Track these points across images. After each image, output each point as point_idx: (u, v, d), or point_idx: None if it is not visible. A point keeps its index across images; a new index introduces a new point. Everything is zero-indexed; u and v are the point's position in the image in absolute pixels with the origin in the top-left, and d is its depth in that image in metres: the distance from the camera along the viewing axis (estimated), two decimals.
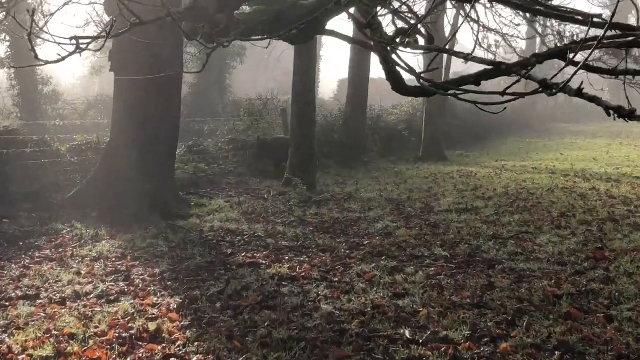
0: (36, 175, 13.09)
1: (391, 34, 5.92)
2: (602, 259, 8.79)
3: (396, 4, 7.85)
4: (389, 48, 5.56)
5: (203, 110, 31.20)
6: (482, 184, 16.84)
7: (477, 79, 4.57)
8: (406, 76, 5.56)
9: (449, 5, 21.18)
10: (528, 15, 17.81)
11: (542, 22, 24.57)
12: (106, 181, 12.20)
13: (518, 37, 35.91)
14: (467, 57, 4.76)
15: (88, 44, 4.94)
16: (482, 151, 28.71)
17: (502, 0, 6.30)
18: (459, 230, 10.81)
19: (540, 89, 4.11)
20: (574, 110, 49.80)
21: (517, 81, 4.26)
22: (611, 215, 11.94)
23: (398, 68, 6.16)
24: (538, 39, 30.14)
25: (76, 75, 56.70)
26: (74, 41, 4.76)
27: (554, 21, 20.24)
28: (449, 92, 4.63)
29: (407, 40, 5.18)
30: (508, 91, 4.21)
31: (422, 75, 4.60)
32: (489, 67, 4.52)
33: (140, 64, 11.82)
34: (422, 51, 5.66)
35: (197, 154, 17.37)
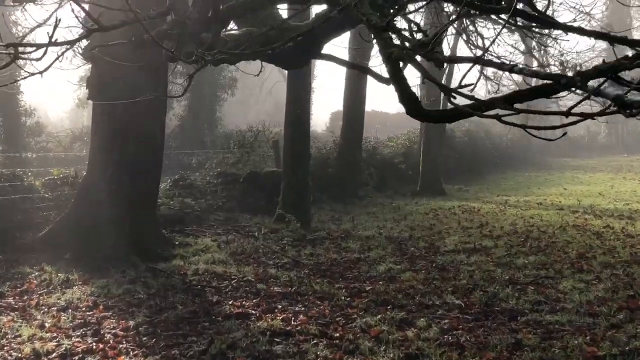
0: (5, 212, 11.97)
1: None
2: (636, 309, 7.74)
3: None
4: (406, 60, 4.57)
5: (192, 142, 30.24)
6: (488, 221, 15.82)
7: (533, 95, 3.57)
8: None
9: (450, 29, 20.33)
10: (534, 42, 16.96)
11: (542, 51, 23.77)
12: (81, 219, 11.10)
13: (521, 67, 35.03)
14: (512, 69, 3.77)
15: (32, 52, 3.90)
16: (481, 185, 27.80)
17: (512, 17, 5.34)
18: (471, 274, 9.74)
19: (614, 108, 3.14)
20: (572, 144, 48.97)
21: (586, 97, 3.28)
22: (634, 257, 10.91)
23: (414, 85, 5.20)
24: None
25: (65, 108, 55.84)
26: (10, 49, 3.74)
27: (556, 50, 19.34)
28: (493, 114, 3.63)
29: (433, 49, 4.19)
30: (574, 111, 3.23)
31: (458, 90, 3.60)
32: (545, 82, 3.52)
33: (120, 90, 10.81)
34: (446, 64, 4.64)
35: (184, 188, 16.31)
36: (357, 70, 9.96)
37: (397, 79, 5.10)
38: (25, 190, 12.68)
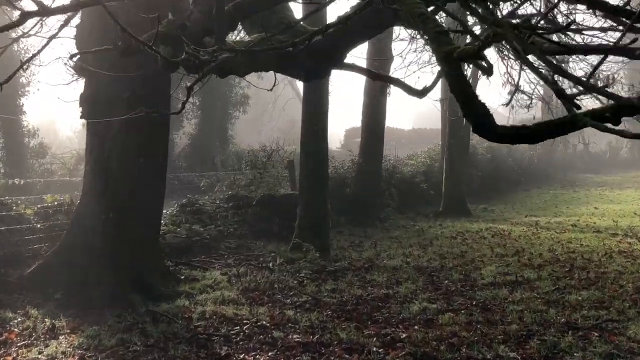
0: None
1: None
2: None
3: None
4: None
5: (203, 162, 29.06)
6: (523, 247, 14.46)
7: None
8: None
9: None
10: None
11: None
12: (74, 252, 9.86)
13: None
14: None
15: None
16: (505, 205, 26.42)
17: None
18: (520, 316, 8.39)
19: None
20: (595, 160, 47.46)
21: None
22: None
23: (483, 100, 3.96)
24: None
25: (74, 128, 54.91)
26: None
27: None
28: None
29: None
30: None
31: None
32: None
33: (116, 106, 9.61)
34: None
35: (192, 213, 15.04)
36: (384, 81, 8.71)
37: (460, 87, 3.84)
38: (14, 221, 11.41)
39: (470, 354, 6.86)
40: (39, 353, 7.15)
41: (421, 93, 7.40)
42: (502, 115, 29.53)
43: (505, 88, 21.38)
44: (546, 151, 40.25)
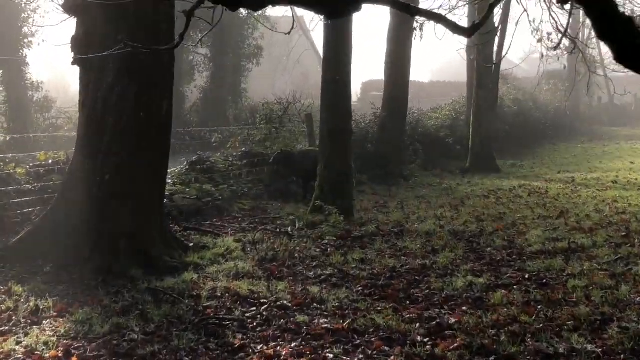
0: None
1: None
2: None
3: None
4: None
5: (215, 117, 27.75)
6: (565, 207, 13.16)
7: None
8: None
9: None
10: None
11: None
12: (67, 217, 8.65)
13: None
14: None
15: None
16: (534, 160, 25.10)
17: None
18: (586, 294, 7.10)
19: None
20: (620, 113, 45.76)
21: None
22: None
23: None
24: None
25: None
26: None
27: None
28: None
29: None
30: None
31: None
32: None
33: (112, 48, 8.34)
34: None
35: (202, 172, 13.76)
36: (426, 17, 7.44)
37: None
38: (2, 182, 10.16)
39: (538, 347, 5.59)
40: (17, 344, 5.94)
41: (469, 30, 6.19)
42: (522, 69, 27.88)
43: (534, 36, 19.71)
44: (572, 104, 38.61)
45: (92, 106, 8.61)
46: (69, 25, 9.03)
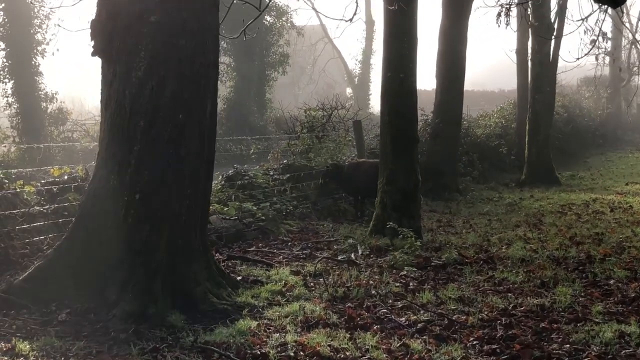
0: None
1: None
2: None
3: None
4: None
5: (239, 129, 25.97)
6: None
7: None
8: None
9: None
10: None
11: None
12: (86, 250, 6.77)
13: None
14: None
15: None
16: (589, 170, 23.10)
17: None
18: None
19: None
20: None
21: None
22: None
23: None
24: None
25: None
26: None
27: None
28: None
29: None
30: None
31: None
32: None
33: (142, 36, 6.55)
34: None
35: (241, 188, 11.89)
36: None
37: None
38: (7, 203, 8.25)
39: None
40: None
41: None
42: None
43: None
44: (613, 111, 36.60)
45: (118, 107, 6.74)
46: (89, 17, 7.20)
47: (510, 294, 7.19)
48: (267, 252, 9.57)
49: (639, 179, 19.79)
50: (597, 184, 19.13)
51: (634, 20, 38.68)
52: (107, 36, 6.78)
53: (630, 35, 35.76)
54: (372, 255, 9.31)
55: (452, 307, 6.72)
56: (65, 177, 9.48)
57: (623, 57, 36.91)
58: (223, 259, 8.80)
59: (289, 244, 10.31)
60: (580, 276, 7.93)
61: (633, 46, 37.17)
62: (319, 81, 46.19)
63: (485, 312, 6.50)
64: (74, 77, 49.08)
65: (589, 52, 15.65)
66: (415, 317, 6.43)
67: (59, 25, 22.25)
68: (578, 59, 15.49)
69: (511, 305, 6.77)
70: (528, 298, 7.01)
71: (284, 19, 32.80)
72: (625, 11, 35.68)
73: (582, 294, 7.16)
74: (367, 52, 47.64)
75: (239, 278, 7.87)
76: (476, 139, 20.23)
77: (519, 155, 20.87)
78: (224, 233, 9.98)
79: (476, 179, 18.42)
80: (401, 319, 6.39)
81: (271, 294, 7.24)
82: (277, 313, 6.56)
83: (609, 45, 33.72)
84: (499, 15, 11.50)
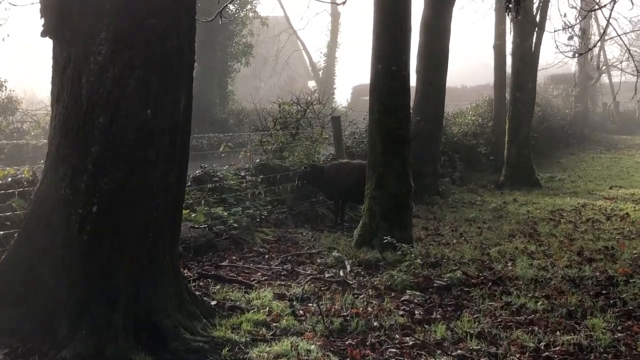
0: None
1: None
2: None
3: None
4: None
5: (201, 123, 24.61)
6: None
7: None
8: None
9: None
10: None
11: None
12: (30, 273, 5.50)
13: None
14: None
15: None
16: (565, 172, 22.31)
17: None
18: None
19: None
20: (625, 119, 43.26)
21: None
22: None
23: None
24: None
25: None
26: None
27: None
28: None
29: None
30: None
31: None
32: None
33: (100, 16, 5.31)
34: None
35: (210, 191, 10.64)
36: None
37: None
38: None
39: None
40: None
41: None
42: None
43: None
44: (582, 110, 36.00)
45: (72, 99, 5.47)
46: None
47: (535, 327, 6.09)
48: (242, 267, 8.36)
49: (620, 182, 18.99)
50: (579, 187, 18.26)
51: (602, 22, 38.14)
52: (61, 12, 5.51)
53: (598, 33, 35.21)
54: (362, 272, 8.19)
55: (475, 347, 5.58)
56: (9, 179, 8.08)
57: (592, 55, 36.35)
58: (193, 277, 7.58)
59: (266, 256, 9.11)
60: (607, 303, 6.86)
61: (601, 44, 36.60)
62: (281, 74, 44.80)
63: (516, 356, 5.38)
64: (26, 63, 46.93)
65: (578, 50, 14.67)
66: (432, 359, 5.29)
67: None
68: (576, 54, 14.32)
69: (542, 344, 5.66)
70: (558, 334, 5.91)
71: (248, 7, 31.44)
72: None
73: (619, 327, 6.09)
74: (332, 45, 46.58)
75: (213, 303, 6.67)
76: (452, 138, 19.18)
77: (497, 156, 19.94)
78: (192, 244, 8.75)
79: (456, 180, 17.39)
80: None
81: (254, 326, 6.04)
82: (264, 354, 5.37)
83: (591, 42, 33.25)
84: (508, 6, 10.31)
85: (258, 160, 12.61)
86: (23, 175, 8.20)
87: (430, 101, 15.27)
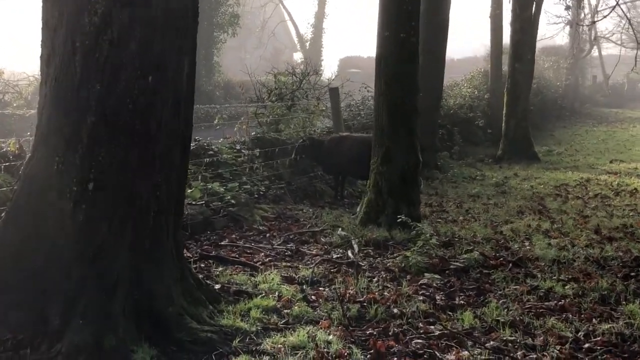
0: None
1: None
2: None
3: None
4: None
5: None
6: None
7: None
8: None
9: None
10: None
11: None
12: (19, 257, 4.94)
13: None
14: None
15: None
16: (559, 145, 21.89)
17: None
18: None
19: None
20: (614, 93, 43.03)
21: None
22: None
23: None
24: None
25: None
26: None
27: None
28: None
29: None
30: None
31: None
32: None
33: None
34: None
35: (206, 166, 10.09)
36: None
37: None
38: None
39: None
40: None
41: None
42: None
43: None
44: (573, 83, 35.64)
45: (65, 64, 4.89)
46: None
47: (569, 315, 5.63)
48: (244, 247, 7.85)
49: (619, 156, 18.62)
50: (578, 160, 17.88)
51: None
52: None
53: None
54: (371, 253, 7.70)
55: (509, 337, 5.11)
56: None
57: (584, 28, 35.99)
58: (194, 258, 7.06)
59: (267, 235, 8.60)
60: (639, 286, 6.41)
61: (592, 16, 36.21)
62: (267, 45, 43.93)
63: (556, 348, 4.90)
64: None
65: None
66: (466, 354, 4.80)
67: None
68: (580, 25, 13.83)
69: (581, 334, 5.20)
70: (595, 321, 5.46)
71: None
72: None
73: None
74: (320, 16, 45.80)
75: (217, 287, 6.16)
76: (449, 111, 18.64)
77: (493, 129, 19.51)
78: (189, 222, 8.21)
79: (455, 155, 16.93)
80: (450, 357, 4.76)
81: (264, 313, 5.56)
82: (279, 345, 4.89)
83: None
84: None
85: (253, 133, 12.03)
86: (9, 149, 7.60)
87: (430, 73, 14.68)
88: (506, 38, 19.65)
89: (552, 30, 39.43)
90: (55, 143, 4.91)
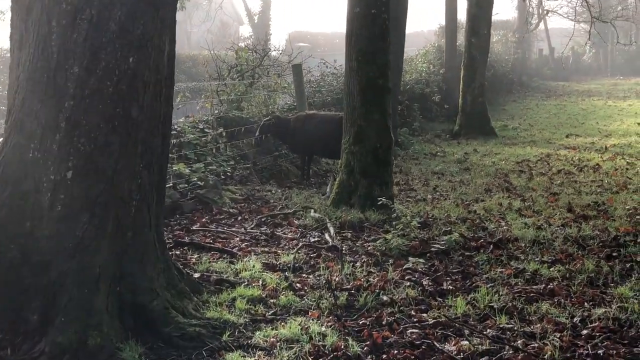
0: None
1: None
2: None
3: None
4: None
5: None
6: None
7: None
8: None
9: None
10: None
11: None
12: None
13: None
14: None
15: None
16: (512, 120, 21.97)
17: None
18: None
19: None
20: (560, 66, 43.51)
21: None
22: None
23: None
24: None
25: None
26: None
27: None
28: None
29: None
30: None
31: None
32: None
33: None
34: None
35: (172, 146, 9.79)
36: None
37: None
38: None
39: None
40: None
41: None
42: None
43: None
44: (520, 57, 35.91)
45: (40, 45, 4.57)
46: None
47: (560, 299, 5.54)
48: (217, 231, 7.62)
49: (574, 130, 18.68)
50: (534, 135, 17.88)
51: None
52: None
53: None
54: (349, 236, 7.54)
55: (506, 325, 4.99)
56: None
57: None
58: (169, 245, 6.78)
59: (239, 218, 8.37)
60: (624, 267, 6.35)
61: None
62: (215, 19, 43.13)
63: (555, 335, 4.80)
64: None
65: None
66: (466, 343, 4.66)
67: None
68: None
69: (577, 319, 5.11)
70: (587, 305, 5.38)
71: None
72: None
73: None
74: None
75: (196, 275, 5.95)
76: (406, 86, 18.47)
77: (449, 104, 19.47)
78: None
79: (416, 131, 16.83)
80: (450, 347, 4.63)
81: (250, 303, 5.38)
82: (271, 339, 4.70)
83: None
84: None
85: (216, 111, 11.70)
86: None
87: (392, 46, 14.50)
88: (461, 14, 19.65)
89: (500, 4, 39.56)
90: (30, 129, 4.61)
